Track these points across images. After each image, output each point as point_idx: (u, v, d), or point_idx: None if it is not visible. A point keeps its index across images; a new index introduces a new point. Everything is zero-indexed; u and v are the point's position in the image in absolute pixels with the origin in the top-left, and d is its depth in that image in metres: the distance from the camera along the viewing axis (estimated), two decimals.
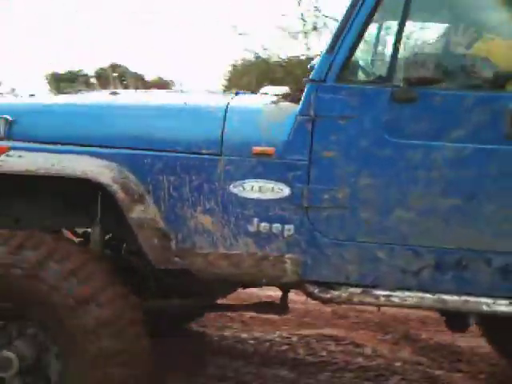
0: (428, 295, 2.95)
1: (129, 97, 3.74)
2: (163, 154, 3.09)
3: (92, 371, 2.81)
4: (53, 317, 2.86)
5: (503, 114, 2.86)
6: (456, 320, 3.28)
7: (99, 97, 3.77)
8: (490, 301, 2.91)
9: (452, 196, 2.92)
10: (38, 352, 2.96)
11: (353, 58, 3.00)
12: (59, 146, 3.12)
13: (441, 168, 2.91)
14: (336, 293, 2.99)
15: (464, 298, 2.93)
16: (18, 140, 3.18)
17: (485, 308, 2.90)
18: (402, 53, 2.96)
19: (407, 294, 2.96)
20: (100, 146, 3.11)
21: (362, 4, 2.95)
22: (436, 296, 2.94)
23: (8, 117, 3.22)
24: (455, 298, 2.93)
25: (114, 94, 3.63)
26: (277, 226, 3.03)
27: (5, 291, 2.88)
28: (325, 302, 3.11)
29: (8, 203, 3.29)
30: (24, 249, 2.88)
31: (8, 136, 3.21)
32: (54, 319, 2.86)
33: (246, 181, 3.04)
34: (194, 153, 3.06)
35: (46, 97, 4.08)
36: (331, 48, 2.97)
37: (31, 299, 2.87)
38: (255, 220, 3.04)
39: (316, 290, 3.01)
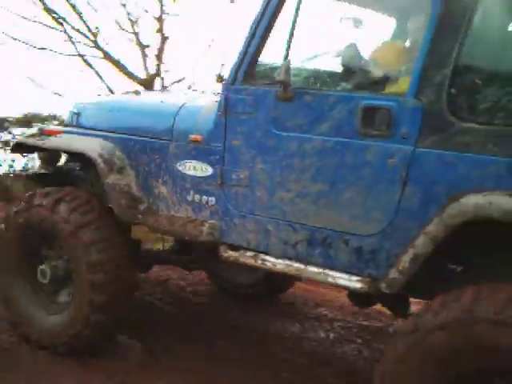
0: (303, 266, 3.50)
1: (133, 96, 4.97)
2: (139, 138, 4.27)
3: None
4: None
5: (356, 112, 3.24)
6: (359, 298, 3.80)
7: (119, 96, 5.23)
8: (345, 276, 3.33)
9: (319, 182, 3.41)
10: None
11: (256, 64, 3.64)
12: (87, 131, 4.56)
13: (310, 157, 3.42)
14: (231, 253, 3.75)
15: (325, 271, 3.40)
16: (79, 127, 4.68)
17: (342, 282, 3.35)
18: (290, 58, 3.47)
19: (288, 262, 3.55)
20: (108, 132, 4.44)
21: (259, 19, 3.58)
22: (307, 267, 3.47)
23: (75, 110, 4.77)
24: (318, 270, 3.43)
25: (136, 93, 4.97)
26: (204, 198, 3.92)
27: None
28: (223, 260, 3.86)
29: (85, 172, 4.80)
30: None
31: (76, 124, 4.76)
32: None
33: (186, 161, 4.00)
34: (157, 139, 4.17)
35: (95, 97, 5.43)
36: (239, 55, 3.66)
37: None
38: (191, 192, 3.98)
39: (220, 250, 3.82)
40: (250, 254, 3.71)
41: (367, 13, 3.86)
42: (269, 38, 3.61)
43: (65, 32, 10.83)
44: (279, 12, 3.56)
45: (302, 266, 3.51)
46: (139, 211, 4.17)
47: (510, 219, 2.71)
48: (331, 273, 3.40)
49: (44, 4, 10.56)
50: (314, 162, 3.42)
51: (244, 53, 3.66)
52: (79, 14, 10.69)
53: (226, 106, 3.74)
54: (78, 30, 10.80)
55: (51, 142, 4.51)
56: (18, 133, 9.67)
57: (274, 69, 3.55)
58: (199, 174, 3.95)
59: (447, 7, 3.01)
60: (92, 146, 4.30)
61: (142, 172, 4.24)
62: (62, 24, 10.77)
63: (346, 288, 3.45)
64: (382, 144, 3.18)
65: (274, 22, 3.57)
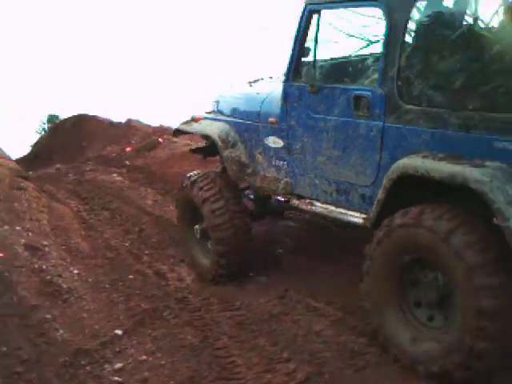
0: (334, 208, 4.95)
1: (247, 86, 6.21)
2: (245, 121, 5.81)
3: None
4: None
5: (350, 99, 4.58)
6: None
7: (241, 86, 6.33)
8: (357, 215, 4.72)
9: (336, 149, 4.79)
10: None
11: (299, 68, 5.03)
12: (219, 116, 6.13)
13: (330, 132, 4.81)
14: (297, 202, 5.27)
15: (346, 211, 4.84)
16: (217, 113, 6.26)
17: (354, 220, 4.74)
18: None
19: (325, 206, 5.03)
20: (229, 116, 6.03)
21: (297, 35, 5.02)
22: (336, 209, 4.93)
23: (216, 99, 6.36)
24: (341, 211, 4.88)
25: (249, 83, 6.34)
26: (280, 163, 5.44)
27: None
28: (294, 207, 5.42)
29: None
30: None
31: (216, 111, 6.29)
32: None
33: (269, 137, 5.50)
34: (253, 121, 5.70)
35: (229, 86, 6.59)
36: (289, 61, 5.11)
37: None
38: (273, 158, 5.51)
39: (291, 199, 5.35)
40: (307, 201, 5.21)
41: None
42: (304, 48, 5.01)
43: None
44: (307, 30, 4.95)
45: (333, 208, 4.95)
46: (246, 174, 5.78)
47: (418, 174, 3.98)
48: (349, 212, 4.80)
49: None
50: (333, 135, 4.79)
51: (291, 59, 5.08)
52: None
53: (285, 96, 5.18)
54: None
55: (193, 128, 6.22)
56: None
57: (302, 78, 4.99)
58: (276, 146, 5.42)
59: (391, 21, 4.28)
60: (214, 129, 5.93)
61: (248, 146, 5.78)
62: None
63: (355, 224, 4.76)
64: (366, 122, 4.48)
65: (305, 36, 4.98)
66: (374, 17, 4.95)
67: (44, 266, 6.22)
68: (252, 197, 6.45)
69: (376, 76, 4.54)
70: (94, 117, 12.93)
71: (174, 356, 4.71)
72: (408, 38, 4.38)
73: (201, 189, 5.86)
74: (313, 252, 6.29)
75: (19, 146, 14.19)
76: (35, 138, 15.92)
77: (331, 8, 4.94)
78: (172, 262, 6.58)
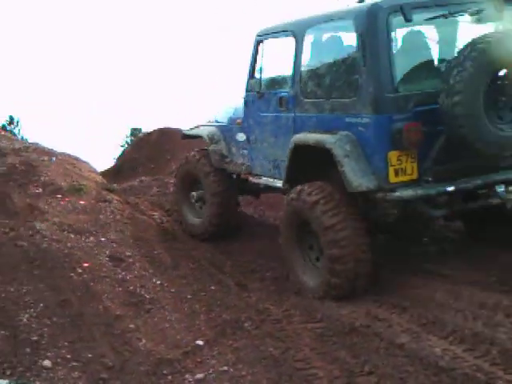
0: (272, 180, 6.73)
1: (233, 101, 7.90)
2: (226, 125, 7.70)
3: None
4: None
5: (278, 100, 6.46)
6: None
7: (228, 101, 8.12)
8: (282, 182, 6.40)
9: (273, 136, 6.62)
10: None
11: (252, 80, 6.95)
12: (213, 123, 8.00)
13: (269, 124, 6.67)
14: (253, 178, 7.10)
15: (279, 181, 6.54)
16: (214, 122, 8.06)
17: (279, 185, 6.48)
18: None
19: (270, 179, 6.81)
20: (216, 123, 7.95)
21: (251, 58, 6.97)
22: (274, 180, 6.68)
23: (216, 112, 8.15)
24: (277, 181, 6.62)
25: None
26: (244, 151, 7.25)
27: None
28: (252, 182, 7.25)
29: None
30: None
31: (214, 120, 8.11)
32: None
33: (238, 133, 7.33)
34: (230, 124, 7.60)
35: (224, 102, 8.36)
36: (247, 77, 7.01)
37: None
38: (241, 149, 7.34)
39: (250, 177, 7.15)
40: (258, 177, 6.99)
41: None
42: (255, 68, 6.95)
43: None
44: (257, 55, 6.88)
45: (271, 180, 6.73)
46: (225, 162, 7.54)
47: (302, 143, 5.89)
48: (278, 181, 6.50)
49: None
50: (270, 126, 6.65)
51: (248, 76, 6.97)
52: None
53: (245, 103, 7.09)
54: None
55: (194, 132, 8.24)
56: None
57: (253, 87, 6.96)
58: (242, 139, 7.25)
59: (296, 47, 6.21)
60: (206, 131, 7.89)
61: (227, 142, 7.63)
62: None
63: (279, 188, 6.53)
64: (286, 114, 6.35)
65: (256, 59, 6.89)
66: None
67: (128, 277, 6.35)
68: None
69: (289, 84, 6.38)
70: (177, 130, 13.14)
71: (255, 367, 4.68)
72: (305, 58, 6.22)
73: (203, 165, 7.79)
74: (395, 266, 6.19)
75: (104, 159, 14.59)
76: (119, 151, 16.32)
77: (268, 38, 6.79)
78: (253, 273, 6.61)
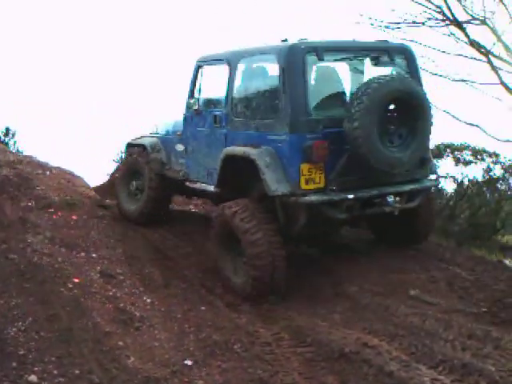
0: (206, 186, 7.70)
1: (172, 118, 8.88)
2: (166, 136, 8.76)
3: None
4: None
5: (213, 117, 7.52)
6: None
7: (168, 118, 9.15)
8: (213, 187, 7.48)
9: (207, 147, 7.62)
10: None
11: (191, 99, 7.92)
12: (154, 135, 9.12)
13: (204, 138, 7.70)
14: (190, 184, 8.04)
15: (211, 187, 7.58)
16: (155, 134, 9.17)
17: (211, 190, 7.56)
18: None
19: (204, 186, 7.76)
20: (158, 135, 9.01)
21: (191, 80, 7.99)
22: (207, 186, 7.67)
23: (156, 125, 9.29)
24: (210, 187, 7.59)
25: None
26: (181, 160, 8.26)
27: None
28: (189, 187, 8.18)
29: None
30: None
31: (155, 132, 9.20)
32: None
33: (177, 144, 8.31)
34: (170, 135, 8.65)
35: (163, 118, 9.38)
36: (187, 97, 8.03)
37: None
38: (179, 157, 8.32)
39: (187, 183, 8.10)
40: (194, 182, 7.98)
41: None
42: (194, 90, 7.99)
43: (488, 62, 11.47)
44: (197, 78, 7.93)
45: (205, 185, 7.70)
46: (164, 168, 8.59)
47: (231, 155, 6.93)
48: (211, 186, 7.52)
49: (469, 38, 11.44)
50: (205, 139, 7.68)
51: (188, 96, 7.99)
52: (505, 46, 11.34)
53: (184, 118, 8.13)
54: (503, 60, 11.41)
55: (137, 141, 9.15)
56: None
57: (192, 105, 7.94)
58: (180, 149, 8.24)
59: (229, 74, 7.30)
60: (146, 141, 8.92)
61: (167, 151, 8.65)
62: (486, 55, 11.40)
63: (212, 192, 7.55)
64: (219, 130, 7.39)
65: (195, 82, 7.95)
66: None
67: (118, 294, 6.32)
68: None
69: (223, 104, 7.41)
70: None
71: None
72: (237, 83, 7.27)
73: (137, 159, 8.94)
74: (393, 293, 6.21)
75: (97, 175, 14.57)
76: (113, 166, 16.32)
77: (206, 65, 7.87)
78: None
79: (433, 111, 6.82)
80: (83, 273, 6.65)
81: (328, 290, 6.67)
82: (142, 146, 8.90)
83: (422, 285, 6.57)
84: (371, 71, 7.10)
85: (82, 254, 7.15)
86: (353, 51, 7.12)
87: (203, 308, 6.28)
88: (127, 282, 6.67)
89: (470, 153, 11.14)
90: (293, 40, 6.78)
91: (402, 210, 6.91)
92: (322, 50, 6.58)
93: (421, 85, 6.96)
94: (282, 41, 6.87)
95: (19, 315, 5.60)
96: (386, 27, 12.35)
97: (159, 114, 11.03)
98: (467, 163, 11.11)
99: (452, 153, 11.16)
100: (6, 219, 7.82)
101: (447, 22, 11.79)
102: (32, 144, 15.42)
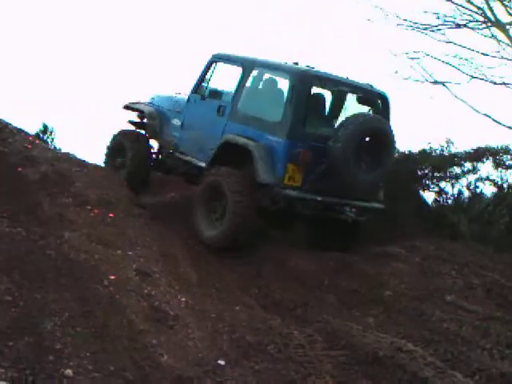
0: (197, 160, 9.04)
1: (171, 93, 10.30)
2: (165, 109, 10.04)
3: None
4: None
5: (217, 107, 8.78)
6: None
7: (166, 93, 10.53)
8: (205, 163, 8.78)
9: (206, 130, 8.92)
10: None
11: (199, 87, 9.31)
12: (151, 105, 10.34)
13: (205, 121, 8.98)
14: (179, 155, 9.46)
15: (201, 162, 8.86)
16: (151, 103, 10.51)
17: (201, 164, 8.89)
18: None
19: (195, 159, 9.11)
20: (155, 105, 10.27)
21: (201, 72, 9.33)
22: (199, 161, 9.00)
23: (152, 96, 10.70)
24: (200, 162, 8.93)
25: (176, 93, 10.42)
26: (176, 133, 9.59)
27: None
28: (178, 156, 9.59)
29: None
30: None
31: (150, 102, 10.57)
32: None
33: (174, 119, 9.72)
34: (168, 109, 9.92)
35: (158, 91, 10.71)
36: (195, 84, 9.40)
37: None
38: (173, 130, 9.67)
39: (177, 154, 9.52)
40: (183, 154, 9.31)
41: None
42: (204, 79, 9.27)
43: None
44: (208, 70, 9.17)
45: (195, 159, 9.01)
46: (158, 135, 9.89)
47: (231, 142, 8.17)
48: (201, 162, 8.81)
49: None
50: (205, 123, 8.96)
51: (196, 83, 9.30)
52: None
53: (188, 99, 9.41)
54: None
55: (136, 106, 10.29)
56: None
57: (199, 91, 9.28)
58: (176, 124, 9.55)
59: (243, 74, 8.64)
60: (147, 109, 10.14)
61: (162, 121, 9.85)
62: None
63: (201, 167, 8.72)
64: (221, 118, 8.60)
65: (206, 72, 9.22)
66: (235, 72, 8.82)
67: (153, 292, 6.34)
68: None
69: (229, 98, 8.73)
70: None
71: None
72: (247, 85, 8.58)
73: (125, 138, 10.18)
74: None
75: None
76: None
77: (221, 61, 9.12)
78: (279, 298, 6.58)
79: (395, 148, 8.78)
80: (119, 270, 6.67)
81: (363, 293, 6.62)
82: (141, 112, 10.23)
83: (458, 290, 6.49)
84: (351, 105, 8.79)
85: (119, 251, 7.18)
86: (346, 86, 8.53)
87: (237, 308, 6.29)
88: (162, 281, 6.68)
89: (510, 157, 11.01)
90: (303, 65, 8.32)
91: (348, 226, 8.52)
92: (324, 80, 8.27)
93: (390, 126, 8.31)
94: (294, 63, 8.32)
95: (56, 310, 5.63)
96: (425, 29, 12.24)
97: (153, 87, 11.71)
98: (508, 167, 10.99)
99: (492, 156, 11.05)
100: (43, 215, 7.88)
101: (489, 24, 11.64)
102: (69, 141, 15.58)
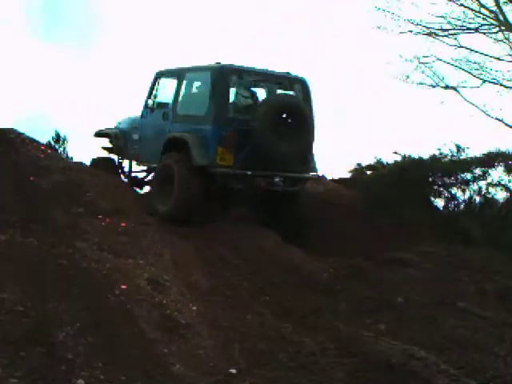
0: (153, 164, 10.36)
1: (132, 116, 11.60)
2: (126, 128, 11.38)
3: None
4: None
5: (163, 114, 10.23)
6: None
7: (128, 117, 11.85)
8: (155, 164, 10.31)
9: (156, 136, 10.15)
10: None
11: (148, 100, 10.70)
12: (117, 128, 11.78)
13: (154, 129, 10.36)
14: (140, 164, 11.23)
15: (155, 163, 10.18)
16: (117, 127, 12.00)
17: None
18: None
19: (150, 163, 10.77)
20: (119, 128, 11.67)
21: (149, 88, 10.75)
22: (151, 164, 10.55)
23: (119, 120, 12.05)
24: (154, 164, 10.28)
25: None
26: (136, 146, 10.92)
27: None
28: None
29: None
30: None
31: (118, 126, 11.99)
32: None
33: (134, 134, 11.02)
34: (128, 127, 11.31)
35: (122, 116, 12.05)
36: (145, 100, 10.78)
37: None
38: (134, 144, 10.97)
39: (139, 164, 11.24)
40: (143, 163, 10.96)
41: None
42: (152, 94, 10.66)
43: None
44: (155, 84, 10.59)
45: (151, 164, 10.39)
46: (123, 153, 11.31)
47: (172, 138, 9.59)
48: (155, 165, 10.03)
49: None
50: (155, 130, 10.28)
51: (146, 99, 10.65)
52: None
53: (141, 115, 10.77)
54: None
55: (104, 131, 11.77)
56: None
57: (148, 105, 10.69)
58: (136, 138, 10.81)
59: (176, 86, 10.20)
60: (111, 132, 11.61)
61: (126, 139, 11.12)
62: None
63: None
64: (165, 123, 10.03)
65: (153, 89, 10.61)
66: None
67: (164, 301, 6.34)
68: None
69: (171, 105, 10.12)
70: None
71: None
72: (181, 91, 10.07)
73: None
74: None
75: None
76: None
77: (162, 77, 10.61)
78: (289, 306, 6.57)
79: (315, 128, 9.57)
80: (130, 279, 6.68)
81: (374, 300, 6.60)
82: (108, 135, 11.74)
83: (471, 296, 6.44)
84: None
85: (130, 260, 7.20)
86: (264, 76, 9.78)
87: (249, 317, 6.27)
88: (174, 289, 6.68)
89: None
90: (223, 63, 9.44)
91: (284, 196, 9.55)
92: (242, 72, 9.52)
93: (310, 106, 9.61)
94: (216, 63, 9.47)
95: (67, 320, 5.66)
96: (436, 34, 12.22)
97: (122, 111, 12.88)
98: None
99: (504, 161, 11.00)
100: (55, 225, 7.93)
101: (502, 28, 11.59)
102: (82, 149, 15.70)
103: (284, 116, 9.00)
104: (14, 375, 4.54)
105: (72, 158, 14.05)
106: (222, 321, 6.14)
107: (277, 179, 9.29)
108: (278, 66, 9.99)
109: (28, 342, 5.00)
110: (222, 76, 9.29)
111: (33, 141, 10.92)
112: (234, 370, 5.15)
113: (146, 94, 10.69)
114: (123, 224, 8.33)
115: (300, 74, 9.93)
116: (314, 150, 9.77)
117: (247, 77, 9.67)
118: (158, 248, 7.79)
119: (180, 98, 10.02)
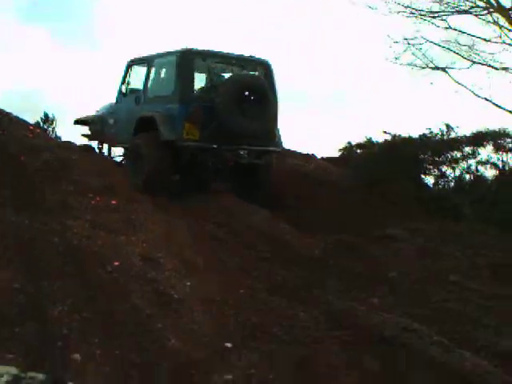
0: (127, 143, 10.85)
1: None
2: (103, 113, 12.01)
3: None
4: None
5: (136, 97, 10.84)
6: None
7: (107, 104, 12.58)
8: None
9: (129, 118, 10.62)
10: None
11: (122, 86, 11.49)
12: (98, 113, 12.43)
13: (128, 113, 10.84)
14: (117, 145, 11.72)
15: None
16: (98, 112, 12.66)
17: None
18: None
19: (126, 144, 10.98)
20: (100, 113, 12.30)
21: (122, 77, 11.49)
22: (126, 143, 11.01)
23: (99, 108, 12.77)
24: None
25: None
26: (113, 130, 11.42)
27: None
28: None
29: None
30: None
31: (98, 112, 12.60)
32: None
33: (110, 119, 11.61)
34: (106, 112, 11.92)
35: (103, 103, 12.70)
36: (119, 85, 11.53)
37: None
38: (110, 128, 11.52)
39: (115, 145, 11.76)
40: (119, 144, 11.35)
41: None
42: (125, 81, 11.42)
43: None
44: (127, 74, 11.33)
45: (125, 145, 10.88)
46: (100, 135, 11.87)
47: (143, 117, 10.19)
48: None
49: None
50: (129, 113, 10.68)
51: (120, 85, 11.41)
52: None
53: (116, 100, 11.54)
54: None
55: (81, 118, 12.58)
56: None
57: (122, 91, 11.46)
58: (112, 122, 11.42)
59: (146, 71, 10.93)
60: (88, 117, 12.35)
61: (103, 123, 11.69)
62: None
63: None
64: (137, 106, 10.63)
65: (126, 76, 11.36)
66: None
67: (158, 277, 6.34)
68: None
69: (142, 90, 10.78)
70: None
71: (282, 371, 4.69)
72: (151, 76, 10.72)
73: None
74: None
75: None
76: None
77: (134, 64, 11.28)
78: (283, 280, 6.59)
79: (278, 105, 10.09)
80: (123, 256, 6.67)
81: (367, 275, 6.64)
82: (87, 122, 12.41)
83: (463, 271, 6.49)
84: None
85: (122, 237, 7.18)
86: (228, 59, 10.43)
87: (242, 291, 6.29)
88: (167, 265, 6.68)
89: (510, 140, 11.02)
90: (188, 47, 10.12)
91: (251, 168, 10.09)
92: (204, 55, 10.15)
93: (273, 85, 10.18)
94: (182, 48, 10.08)
95: (61, 297, 5.65)
96: (425, 15, 12.21)
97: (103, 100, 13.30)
98: (508, 150, 11.00)
99: (492, 140, 11.06)
100: (46, 203, 7.90)
101: (491, 10, 11.59)
102: (71, 129, 15.68)
103: (246, 93, 9.57)
104: (10, 351, 4.54)
105: (60, 138, 14.01)
106: (215, 295, 6.14)
107: (241, 152, 10.02)
108: (276, 57, 10.64)
109: (24, 318, 5.00)
110: (186, 58, 9.98)
111: (20, 120, 10.87)
112: (229, 343, 5.16)
113: (120, 81, 11.42)
114: (114, 202, 8.31)
115: (265, 57, 10.57)
116: (279, 126, 10.34)
117: (211, 59, 10.27)
118: (150, 225, 7.78)
119: (150, 82, 10.73)
